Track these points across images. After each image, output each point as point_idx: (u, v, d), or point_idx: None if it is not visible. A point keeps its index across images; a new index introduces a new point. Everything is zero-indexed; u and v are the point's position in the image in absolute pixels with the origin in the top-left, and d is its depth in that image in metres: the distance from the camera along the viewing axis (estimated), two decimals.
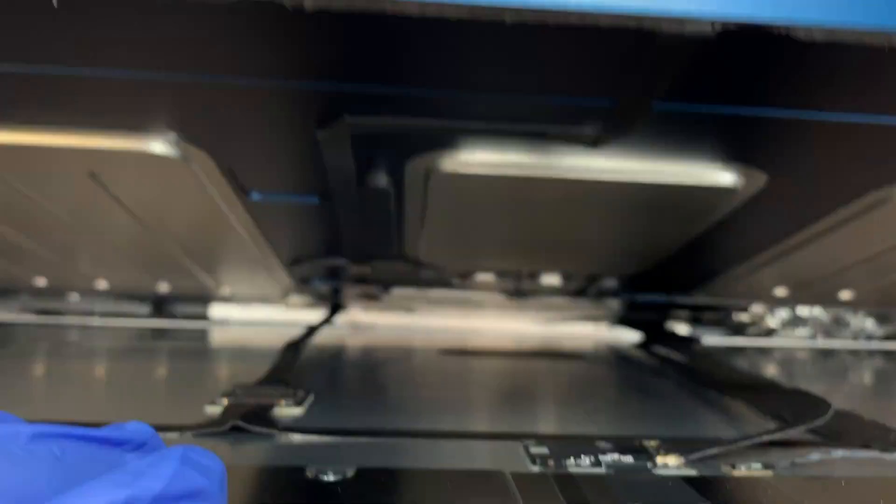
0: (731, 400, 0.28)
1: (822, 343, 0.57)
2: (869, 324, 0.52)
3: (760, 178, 0.24)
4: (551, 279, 0.40)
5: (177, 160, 0.24)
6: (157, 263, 0.41)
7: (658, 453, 0.20)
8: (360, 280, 0.43)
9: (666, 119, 0.20)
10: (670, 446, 0.20)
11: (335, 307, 0.53)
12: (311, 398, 0.27)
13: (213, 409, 0.25)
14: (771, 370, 0.49)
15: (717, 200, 0.25)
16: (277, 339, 0.50)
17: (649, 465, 0.19)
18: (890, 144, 0.21)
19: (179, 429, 0.22)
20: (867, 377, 0.46)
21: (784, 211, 0.28)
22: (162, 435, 0.20)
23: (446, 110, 0.20)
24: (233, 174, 0.26)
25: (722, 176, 0.24)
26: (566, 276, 0.40)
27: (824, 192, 0.25)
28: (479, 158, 0.24)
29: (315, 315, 0.60)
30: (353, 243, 0.34)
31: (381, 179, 0.25)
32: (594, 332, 0.58)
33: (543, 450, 0.20)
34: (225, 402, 0.25)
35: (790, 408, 0.23)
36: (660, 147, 0.23)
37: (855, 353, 0.54)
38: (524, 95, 0.19)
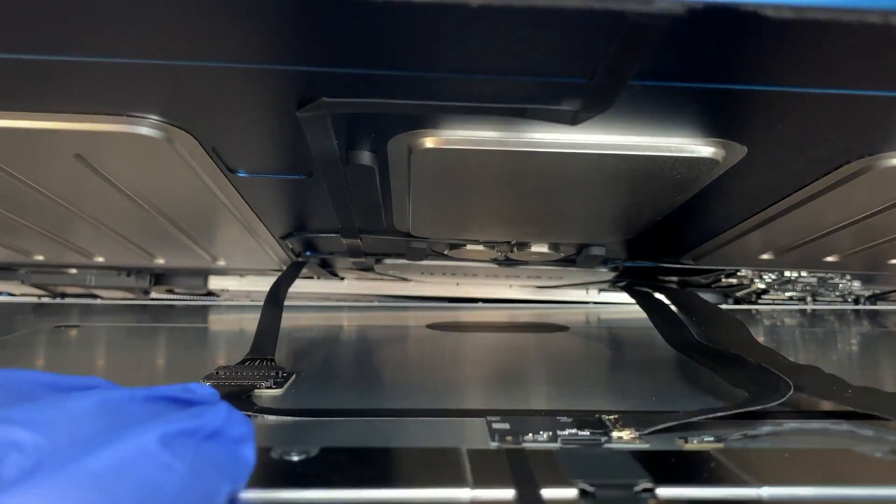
0: (705, 370, 0.28)
1: (810, 305, 0.57)
2: (856, 285, 0.53)
3: (741, 150, 0.24)
4: (540, 248, 0.40)
5: (161, 141, 0.24)
6: (152, 240, 0.41)
7: (614, 427, 0.20)
8: (353, 253, 0.44)
9: (643, 95, 0.20)
10: (628, 420, 0.21)
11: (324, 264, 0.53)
12: (292, 378, 0.28)
13: None
14: (755, 334, 0.50)
15: (698, 171, 0.26)
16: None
17: (603, 439, 0.20)
18: (867, 116, 0.22)
19: None
20: (848, 340, 0.46)
21: (766, 180, 0.28)
22: None
23: (423, 91, 0.20)
24: (218, 154, 0.27)
25: (702, 148, 0.24)
26: (555, 246, 0.40)
27: (804, 162, 0.25)
28: (459, 135, 0.24)
29: (310, 284, 0.61)
30: (342, 218, 0.35)
31: (365, 157, 0.26)
32: (585, 297, 0.59)
33: (505, 426, 0.21)
34: (207, 383, 0.26)
35: (752, 384, 0.24)
36: (639, 122, 0.23)
37: (841, 314, 0.55)
38: (498, 76, 0.19)
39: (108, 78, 0.21)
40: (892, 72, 0.18)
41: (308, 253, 0.46)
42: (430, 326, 0.46)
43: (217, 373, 0.28)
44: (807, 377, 0.25)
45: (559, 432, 0.20)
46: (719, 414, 0.21)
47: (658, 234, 0.37)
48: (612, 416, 0.21)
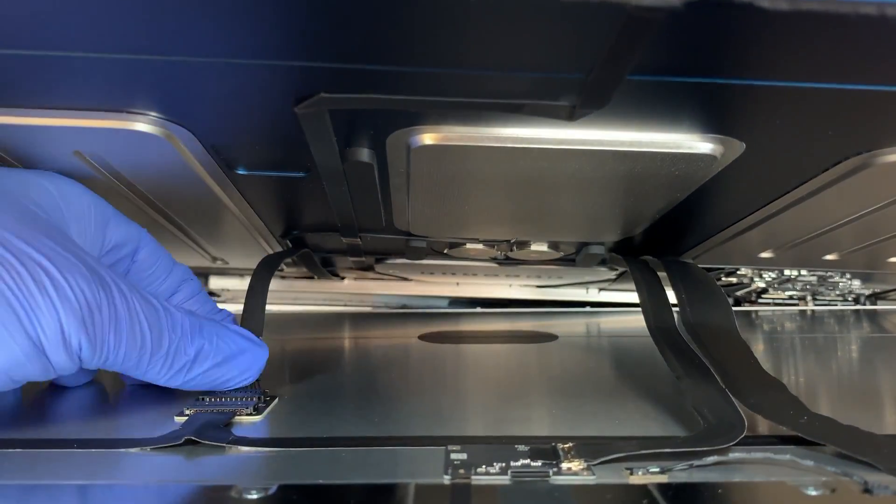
0: (672, 388, 0.28)
1: (810, 306, 0.57)
2: (856, 284, 0.53)
3: (739, 146, 0.24)
4: (540, 247, 0.40)
5: (160, 138, 0.25)
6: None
7: (566, 457, 0.20)
8: (353, 252, 0.44)
9: (641, 90, 0.20)
10: (581, 449, 0.21)
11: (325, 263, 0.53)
12: (274, 402, 0.28)
13: (181, 419, 0.26)
14: (755, 333, 0.50)
15: (696, 168, 0.26)
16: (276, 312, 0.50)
17: (552, 471, 0.19)
18: (865, 111, 0.22)
19: (139, 443, 0.23)
20: (843, 346, 0.46)
21: (764, 177, 0.28)
22: (123, 451, 0.23)
23: (421, 86, 0.20)
24: (216, 150, 0.27)
25: (700, 144, 0.24)
26: (554, 245, 0.40)
27: (803, 158, 0.25)
28: (458, 132, 0.24)
29: (310, 284, 0.61)
30: (341, 216, 0.35)
31: (363, 154, 0.26)
32: (585, 296, 0.59)
33: (462, 456, 0.21)
34: (189, 412, 0.26)
35: (709, 411, 0.24)
36: (636, 118, 0.23)
37: (840, 316, 0.55)
38: (495, 71, 0.19)
39: (106, 74, 0.21)
40: (889, 66, 0.18)
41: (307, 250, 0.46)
42: (422, 337, 0.46)
43: (201, 399, 0.28)
44: (768, 397, 0.25)
45: (512, 463, 0.20)
46: (666, 450, 0.21)
47: (657, 233, 0.37)
48: (566, 445, 0.21)
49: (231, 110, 0.23)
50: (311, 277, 0.58)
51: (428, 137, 0.24)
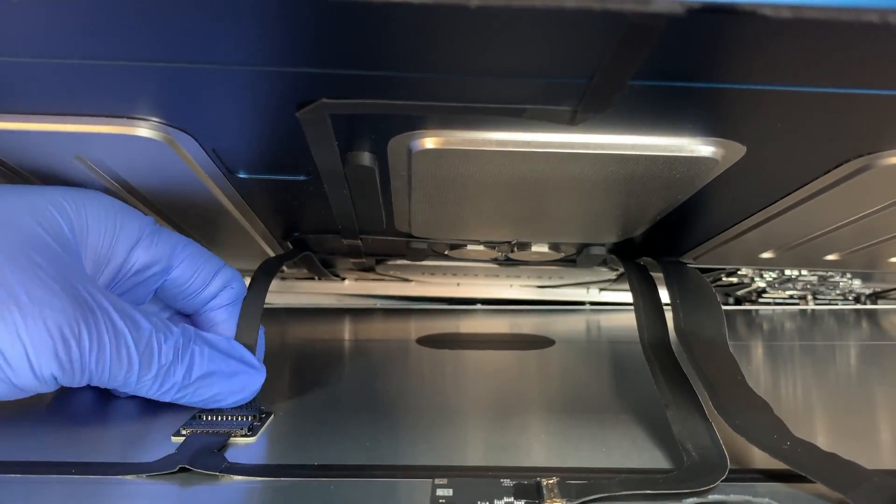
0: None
1: (811, 305, 0.57)
2: (856, 283, 0.53)
3: (739, 150, 0.24)
4: (541, 248, 0.40)
5: (161, 143, 0.25)
6: None
7: (548, 496, 0.20)
8: (353, 253, 0.44)
9: (642, 95, 0.20)
10: (564, 486, 0.21)
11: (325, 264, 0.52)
12: (269, 420, 0.28)
13: (177, 439, 0.26)
14: (754, 335, 0.50)
15: (697, 171, 0.26)
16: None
17: None
18: (866, 114, 0.22)
19: (136, 470, 0.23)
20: (843, 351, 0.46)
21: (765, 179, 0.28)
22: (118, 479, 0.23)
23: (422, 92, 0.20)
24: (218, 155, 0.27)
25: (701, 148, 0.24)
26: (555, 246, 0.40)
27: (803, 161, 0.26)
28: (459, 136, 0.24)
29: (311, 284, 0.61)
30: (342, 219, 0.35)
31: (365, 158, 0.26)
32: (585, 296, 0.59)
33: (448, 492, 0.21)
34: (185, 432, 0.26)
35: (693, 447, 0.24)
36: (638, 122, 0.23)
37: (841, 315, 0.55)
38: (497, 77, 0.19)
39: (109, 81, 0.21)
40: (891, 70, 0.18)
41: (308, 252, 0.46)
42: (419, 341, 0.46)
43: (198, 416, 0.28)
44: (753, 419, 0.25)
45: (496, 502, 0.20)
46: (647, 491, 0.21)
47: (658, 234, 0.37)
48: (550, 482, 0.21)
49: (233, 115, 0.23)
50: (312, 277, 0.58)
51: (429, 141, 0.24)
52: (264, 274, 0.35)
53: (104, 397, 0.32)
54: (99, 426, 0.29)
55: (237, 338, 0.31)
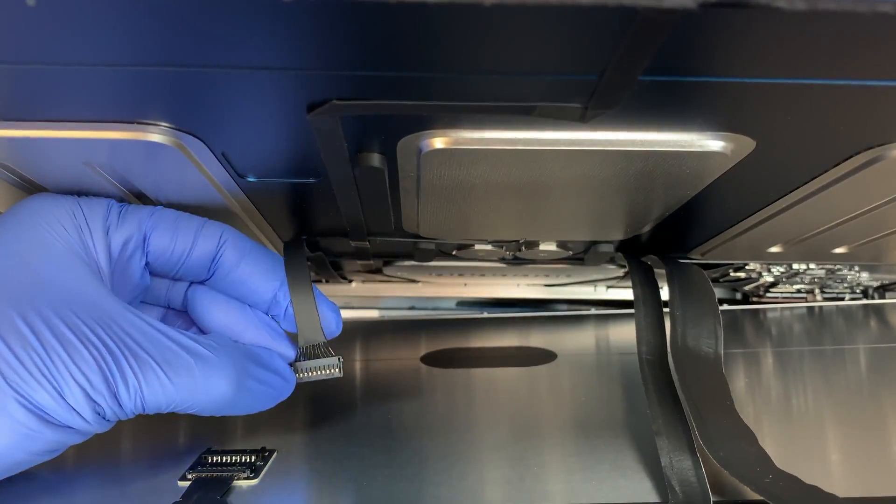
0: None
1: (819, 301, 0.57)
2: (864, 276, 0.53)
3: (749, 144, 0.24)
4: (549, 247, 0.40)
5: (170, 147, 0.25)
6: None
7: None
8: (360, 255, 0.44)
9: (652, 90, 0.20)
10: None
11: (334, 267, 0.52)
12: (272, 458, 0.28)
13: (183, 484, 0.26)
14: (753, 335, 0.49)
15: (706, 166, 0.26)
16: None
17: None
18: (877, 106, 0.22)
19: None
20: (849, 355, 0.46)
21: (775, 173, 0.28)
22: None
23: (433, 92, 0.20)
24: (227, 159, 0.27)
25: (710, 143, 0.24)
26: (563, 245, 0.40)
27: (813, 154, 0.25)
28: (469, 136, 0.24)
29: (319, 288, 0.61)
30: (350, 220, 0.35)
31: (374, 159, 0.26)
32: (593, 293, 0.59)
33: None
34: (191, 476, 0.26)
35: (678, 482, 0.24)
36: (647, 117, 0.23)
37: (847, 313, 0.55)
38: (508, 75, 0.19)
39: (118, 86, 0.21)
40: None
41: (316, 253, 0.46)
42: (423, 359, 0.46)
43: (205, 457, 0.28)
44: (738, 450, 0.25)
45: None
46: None
47: (667, 230, 0.37)
48: None
49: (243, 119, 0.23)
50: (319, 280, 0.58)
51: (438, 141, 0.24)
52: (296, 250, 0.34)
53: (113, 439, 0.32)
54: (108, 467, 0.29)
55: (300, 333, 0.31)
